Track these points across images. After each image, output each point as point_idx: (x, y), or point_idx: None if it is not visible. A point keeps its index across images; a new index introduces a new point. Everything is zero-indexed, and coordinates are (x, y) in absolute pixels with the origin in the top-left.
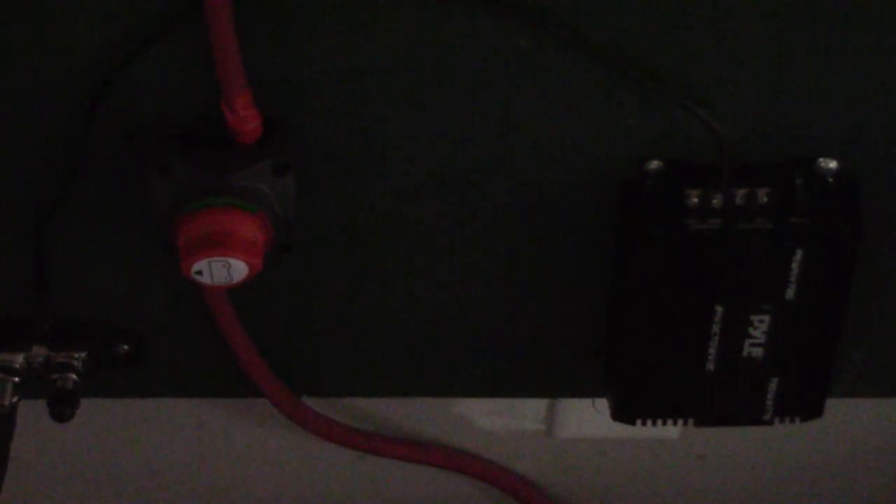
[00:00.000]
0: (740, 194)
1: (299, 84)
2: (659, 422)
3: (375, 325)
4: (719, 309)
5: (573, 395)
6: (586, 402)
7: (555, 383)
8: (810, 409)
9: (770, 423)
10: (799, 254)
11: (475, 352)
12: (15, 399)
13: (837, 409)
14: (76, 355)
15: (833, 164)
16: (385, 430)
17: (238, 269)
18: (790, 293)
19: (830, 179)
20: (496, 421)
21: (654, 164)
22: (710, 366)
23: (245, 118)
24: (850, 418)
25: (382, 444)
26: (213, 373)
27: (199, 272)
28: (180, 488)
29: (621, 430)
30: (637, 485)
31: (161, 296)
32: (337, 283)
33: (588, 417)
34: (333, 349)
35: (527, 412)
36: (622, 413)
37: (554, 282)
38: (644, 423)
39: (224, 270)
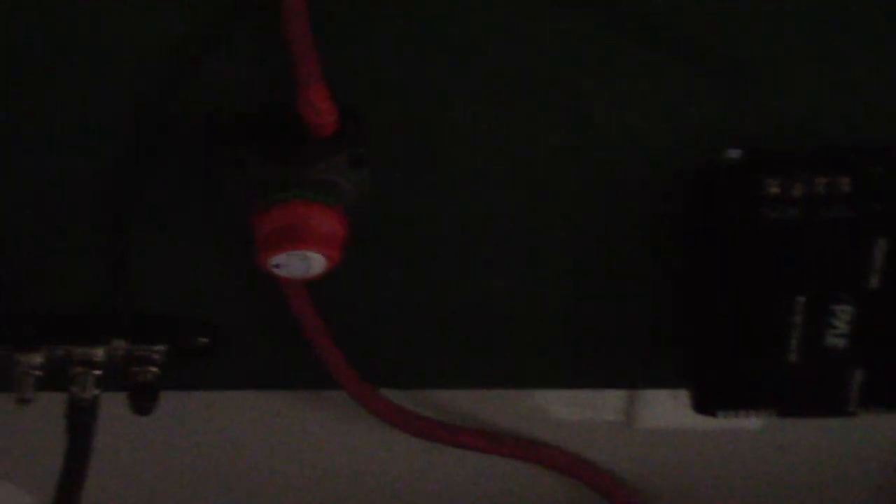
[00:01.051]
0: (820, 183)
1: (371, 75)
2: (741, 413)
3: (452, 317)
4: (800, 299)
5: (653, 386)
6: (666, 392)
7: (634, 374)
8: (895, 400)
9: (854, 414)
10: (881, 242)
11: (553, 343)
12: (96, 392)
13: None
14: (156, 348)
15: None
16: (464, 422)
17: (316, 262)
18: (873, 282)
19: None
20: (575, 412)
21: (733, 153)
22: (793, 357)
23: (322, 111)
24: None
25: (461, 435)
26: (290, 365)
27: (278, 265)
28: (257, 480)
29: (701, 421)
30: (717, 476)
31: (238, 288)
32: (413, 275)
33: (668, 408)
34: (410, 341)
35: (606, 403)
36: (704, 405)
37: (632, 272)
38: (726, 415)
39: (302, 263)
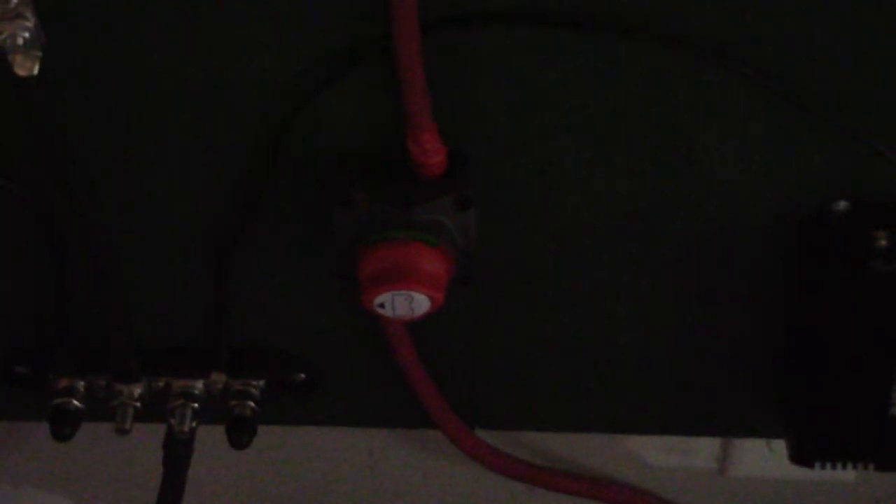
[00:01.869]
0: None
1: (480, 118)
2: (839, 465)
3: (549, 360)
4: None
5: (747, 434)
6: (760, 441)
7: (729, 422)
8: None
9: None
10: None
11: (649, 388)
12: (194, 424)
13: None
14: (254, 383)
15: None
16: (557, 465)
17: (420, 303)
18: None
19: None
20: (669, 458)
21: (842, 205)
22: (893, 410)
23: (430, 152)
24: None
25: (555, 477)
26: (386, 403)
27: (382, 305)
28: None
29: (796, 471)
30: None
31: (339, 326)
32: (512, 317)
33: (762, 457)
34: (507, 382)
35: (700, 450)
36: (801, 455)
37: (731, 321)
38: (823, 467)
39: (406, 303)
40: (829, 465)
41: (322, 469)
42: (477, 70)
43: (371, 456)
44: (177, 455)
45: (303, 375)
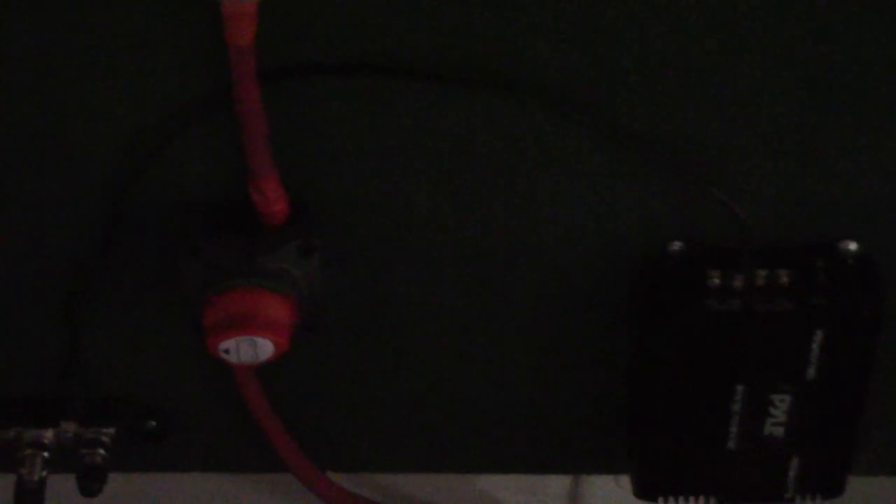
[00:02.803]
0: (761, 275)
1: (324, 164)
2: (681, 499)
3: (399, 402)
4: (740, 388)
5: (596, 471)
6: (610, 478)
7: (578, 460)
8: (831, 488)
9: (791, 501)
10: (819, 334)
11: (499, 428)
12: (44, 473)
13: (859, 487)
14: (105, 431)
15: (853, 247)
16: None
17: (264, 348)
18: (811, 373)
19: (851, 261)
20: (520, 497)
21: (676, 246)
22: (732, 444)
23: (272, 200)
24: (872, 496)
25: None
26: (240, 448)
27: (227, 350)
28: None
29: None
30: None
31: (190, 373)
32: (362, 361)
33: (612, 494)
34: (358, 425)
35: (551, 489)
36: (644, 491)
37: (576, 359)
38: (666, 501)
39: (250, 349)
40: (672, 500)
41: None
42: (319, 116)
43: (226, 501)
44: None
45: (154, 423)
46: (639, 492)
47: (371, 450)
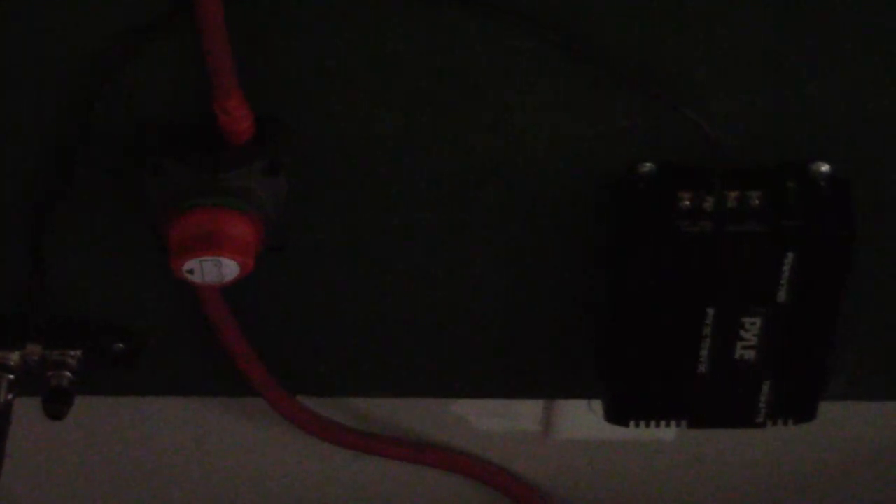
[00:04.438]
0: (732, 197)
1: (291, 84)
2: (652, 423)
3: (371, 326)
4: (711, 311)
5: (569, 396)
6: (583, 403)
7: (551, 384)
8: (803, 412)
9: (763, 425)
10: (790, 257)
11: (472, 352)
12: (10, 396)
13: (832, 412)
14: (71, 353)
15: (825, 168)
16: (382, 430)
17: (229, 269)
18: (782, 296)
19: (823, 183)
20: (493, 422)
21: (647, 167)
22: (703, 368)
23: (237, 118)
24: (844, 421)
25: (379, 444)
26: (209, 372)
27: (191, 271)
28: (176, 486)
29: (618, 431)
30: (634, 486)
31: (158, 295)
32: (333, 284)
33: (584, 419)
34: (330, 349)
35: (524, 413)
36: (615, 415)
37: (549, 282)
38: (637, 425)
39: (215, 270)
40: (643, 424)
41: (145, 439)
42: (287, 35)
43: (195, 425)
44: None
45: (122, 345)
46: (609, 416)
47: (342, 374)
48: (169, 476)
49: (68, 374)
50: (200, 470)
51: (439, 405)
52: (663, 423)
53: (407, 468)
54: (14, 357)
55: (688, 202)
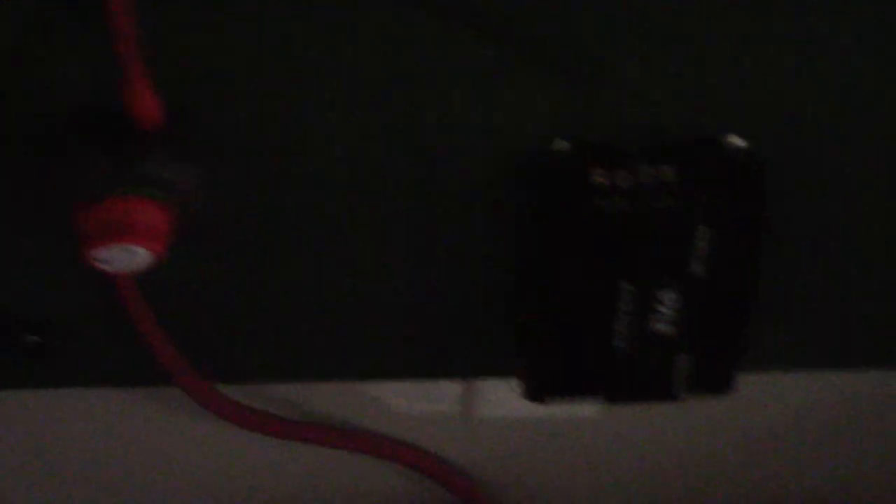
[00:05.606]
0: (647, 173)
1: (201, 70)
2: (569, 400)
3: (287, 311)
4: (626, 286)
5: (488, 375)
6: (504, 382)
7: (471, 364)
8: (720, 385)
9: (680, 399)
10: (705, 230)
11: (389, 335)
12: None
13: (752, 385)
14: None
15: (739, 142)
16: (301, 417)
17: (141, 257)
18: (697, 269)
19: (737, 157)
20: (413, 404)
21: (561, 144)
22: (620, 343)
23: (146, 105)
24: (761, 394)
25: (299, 429)
26: (124, 362)
27: (102, 259)
28: (94, 480)
29: (540, 410)
30: (558, 464)
31: (70, 284)
32: (247, 271)
33: (505, 398)
34: (246, 336)
35: (444, 394)
36: (532, 392)
37: (464, 263)
38: (554, 402)
39: (127, 258)
40: (560, 401)
41: (57, 433)
42: (198, 21)
43: (112, 417)
44: None
45: (34, 337)
46: (527, 393)
47: (259, 361)
48: (86, 469)
49: None
50: (119, 463)
51: (357, 389)
52: (581, 399)
53: (328, 453)
54: None
55: (602, 179)
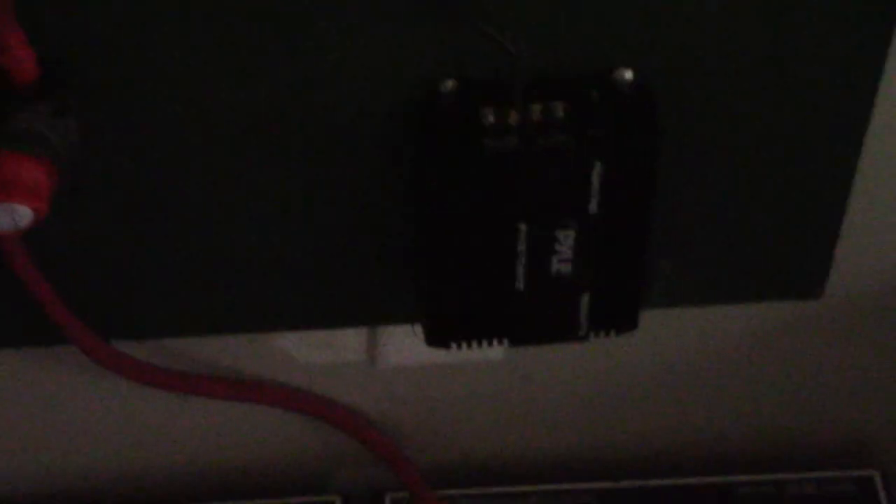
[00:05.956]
0: (537, 110)
1: (77, 23)
2: (474, 344)
3: (181, 264)
4: (523, 227)
5: (391, 322)
6: (407, 329)
7: (371, 311)
8: (624, 323)
9: (585, 338)
10: (598, 167)
11: (287, 284)
12: None
13: (654, 320)
14: None
15: (629, 75)
16: (205, 371)
17: (23, 215)
18: (593, 207)
19: (627, 90)
20: (317, 354)
21: (449, 84)
22: (520, 285)
23: (19, 59)
24: (663, 328)
25: (202, 383)
26: (13, 322)
27: None
28: None
29: (444, 355)
30: (465, 409)
31: None
32: (138, 224)
33: (409, 344)
34: (140, 290)
35: (348, 343)
36: (435, 337)
37: (359, 208)
38: (459, 347)
39: (8, 216)
40: (464, 345)
41: None
42: None
43: (8, 377)
44: None
45: None
46: (429, 339)
47: (155, 315)
48: None
49: None
50: (14, 424)
51: (261, 341)
52: (485, 342)
53: (235, 407)
54: None
55: (492, 118)
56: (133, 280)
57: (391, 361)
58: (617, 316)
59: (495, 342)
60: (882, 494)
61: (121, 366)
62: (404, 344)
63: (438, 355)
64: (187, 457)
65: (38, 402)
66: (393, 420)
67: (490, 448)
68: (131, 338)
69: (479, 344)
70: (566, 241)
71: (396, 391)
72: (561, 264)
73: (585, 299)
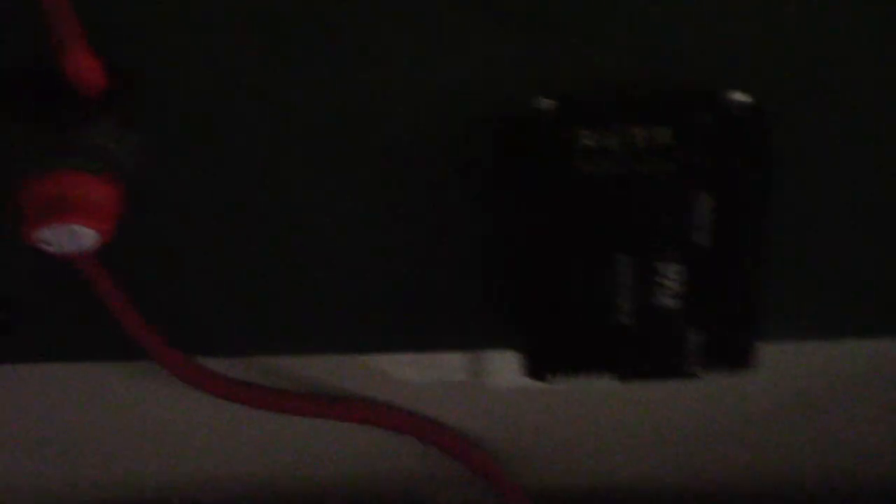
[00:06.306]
0: (638, 134)
1: (145, 32)
2: (573, 378)
3: (271, 282)
4: (623, 258)
5: (494, 347)
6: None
7: (475, 336)
8: (737, 359)
9: (694, 375)
10: (704, 196)
11: (386, 306)
12: None
13: (773, 355)
14: None
15: (739, 98)
16: (304, 389)
17: (86, 237)
18: (700, 239)
19: (737, 115)
20: (420, 373)
21: (545, 104)
22: (624, 318)
23: (84, 69)
24: (782, 363)
25: (296, 402)
26: (97, 336)
27: (45, 241)
28: (74, 457)
29: None
30: (572, 433)
31: (35, 261)
32: (226, 242)
33: (515, 365)
34: (230, 309)
35: (453, 364)
36: (534, 370)
37: (458, 232)
38: (557, 381)
39: (71, 238)
40: (564, 379)
41: (35, 409)
42: None
43: (91, 392)
44: None
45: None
46: (528, 371)
47: (261, 333)
48: (59, 446)
49: None
50: (102, 439)
51: (358, 361)
52: (587, 377)
53: (330, 426)
54: None
55: (589, 141)
56: (219, 298)
57: (496, 382)
58: (730, 354)
59: (598, 377)
60: None
61: (203, 381)
62: (509, 365)
63: None
64: (282, 470)
65: (124, 416)
66: (496, 442)
67: (597, 474)
68: (226, 355)
69: (581, 379)
70: (671, 273)
71: (501, 412)
72: (667, 298)
73: (693, 335)
